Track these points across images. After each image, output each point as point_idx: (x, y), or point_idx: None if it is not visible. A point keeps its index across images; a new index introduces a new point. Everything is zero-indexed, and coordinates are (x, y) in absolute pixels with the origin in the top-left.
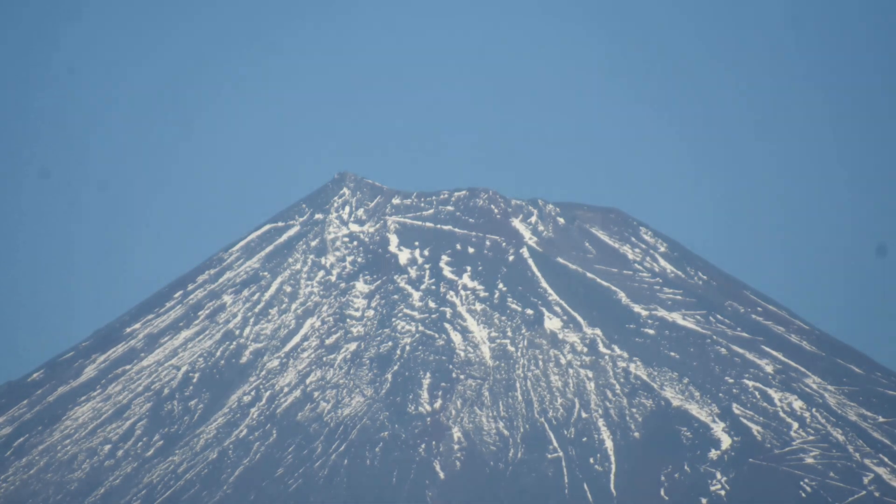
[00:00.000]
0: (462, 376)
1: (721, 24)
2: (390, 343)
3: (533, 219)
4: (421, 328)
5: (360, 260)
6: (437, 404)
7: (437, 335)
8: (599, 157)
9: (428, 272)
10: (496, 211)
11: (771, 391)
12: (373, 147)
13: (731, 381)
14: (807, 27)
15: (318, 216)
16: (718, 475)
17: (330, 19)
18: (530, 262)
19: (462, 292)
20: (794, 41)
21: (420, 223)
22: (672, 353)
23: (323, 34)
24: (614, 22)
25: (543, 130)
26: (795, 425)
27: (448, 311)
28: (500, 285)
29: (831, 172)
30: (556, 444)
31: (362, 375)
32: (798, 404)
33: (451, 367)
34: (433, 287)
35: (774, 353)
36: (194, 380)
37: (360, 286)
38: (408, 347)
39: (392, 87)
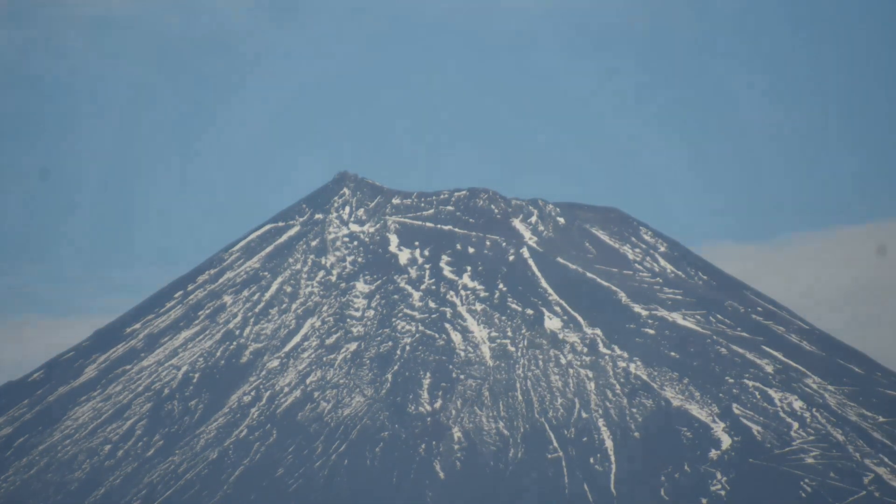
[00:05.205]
0: (462, 376)
1: (722, 24)
2: (390, 343)
3: (533, 219)
4: (421, 328)
5: (360, 260)
6: (438, 404)
7: (437, 335)
8: (599, 157)
9: (428, 272)
10: (496, 211)
11: (771, 391)
12: (373, 147)
13: (731, 381)
14: (810, 28)
15: (319, 216)
16: (718, 475)
17: (330, 19)
18: (530, 262)
19: (462, 292)
20: (798, 41)
21: (420, 223)
22: (672, 353)
23: (323, 34)
24: (614, 21)
25: (543, 130)
26: (795, 425)
27: (448, 311)
28: (500, 285)
29: (831, 171)
30: (556, 444)
31: (362, 375)
32: (798, 404)
33: (451, 367)
34: (433, 287)
35: (774, 353)
36: (194, 380)
37: (361, 286)
38: (408, 347)
39: (392, 87)
